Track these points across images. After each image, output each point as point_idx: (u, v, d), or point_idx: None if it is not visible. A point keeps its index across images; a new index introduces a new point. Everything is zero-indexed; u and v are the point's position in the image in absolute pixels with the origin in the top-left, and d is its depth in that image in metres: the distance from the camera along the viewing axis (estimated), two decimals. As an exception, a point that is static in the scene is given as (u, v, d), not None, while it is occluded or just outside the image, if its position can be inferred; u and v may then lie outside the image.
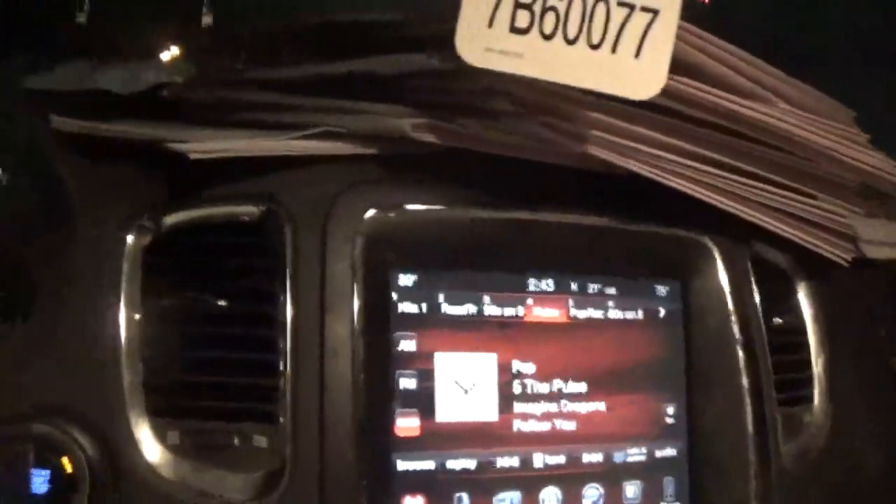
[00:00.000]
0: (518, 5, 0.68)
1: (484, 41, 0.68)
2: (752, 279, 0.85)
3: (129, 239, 0.72)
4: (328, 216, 0.72)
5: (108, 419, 0.69)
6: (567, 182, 0.79)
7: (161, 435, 0.70)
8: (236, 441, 0.70)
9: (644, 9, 0.69)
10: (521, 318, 0.77)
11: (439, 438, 0.74)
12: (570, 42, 0.69)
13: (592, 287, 0.80)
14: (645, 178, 0.78)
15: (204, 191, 0.74)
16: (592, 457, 0.78)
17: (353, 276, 0.71)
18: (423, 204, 0.75)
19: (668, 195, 0.79)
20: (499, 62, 0.68)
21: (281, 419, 0.69)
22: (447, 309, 0.75)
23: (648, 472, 0.81)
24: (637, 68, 0.69)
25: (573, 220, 0.79)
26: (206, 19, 1.16)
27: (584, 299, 0.80)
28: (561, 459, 0.77)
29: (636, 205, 0.80)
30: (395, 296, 0.73)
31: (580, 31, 0.69)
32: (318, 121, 0.76)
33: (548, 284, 0.78)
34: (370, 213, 0.73)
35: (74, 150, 0.75)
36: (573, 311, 0.79)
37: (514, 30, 0.68)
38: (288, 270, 0.71)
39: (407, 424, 0.73)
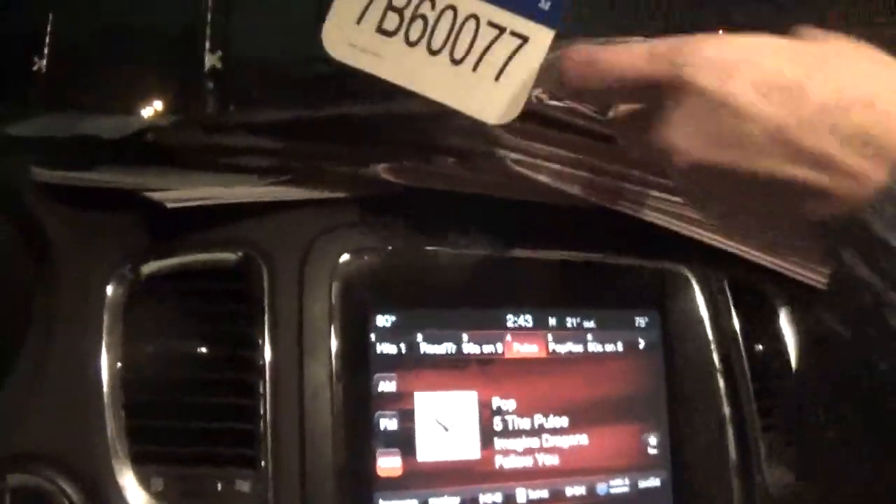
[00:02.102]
0: (390, 7, 0.67)
1: (349, 37, 0.67)
2: (731, 305, 0.86)
3: (110, 289, 0.73)
4: (304, 261, 0.73)
5: (93, 467, 0.70)
6: (542, 218, 0.79)
7: (145, 482, 0.70)
8: (219, 486, 0.71)
9: (514, 34, 0.67)
10: (501, 354, 0.78)
11: (421, 477, 0.74)
12: (433, 53, 0.67)
13: (571, 321, 0.81)
14: (619, 211, 0.78)
15: (183, 237, 0.75)
16: (576, 490, 0.79)
17: (331, 319, 0.72)
18: (399, 245, 0.76)
19: (642, 227, 0.80)
20: (360, 60, 0.67)
21: (262, 463, 0.70)
22: (426, 348, 0.76)
23: (633, 502, 0.81)
24: (494, 91, 0.67)
25: (550, 256, 0.80)
26: (211, 60, 1.15)
27: (562, 334, 0.80)
28: (544, 494, 0.78)
29: (612, 238, 0.81)
30: (373, 337, 0.74)
31: (445, 44, 0.67)
32: (295, 164, 0.77)
33: (526, 320, 0.79)
34: (345, 256, 0.73)
35: (55, 199, 0.76)
36: (552, 346, 0.80)
37: (381, 31, 0.67)
38: (266, 315, 0.72)
39: (389, 465, 0.73)
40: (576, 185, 0.76)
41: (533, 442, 0.78)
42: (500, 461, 0.77)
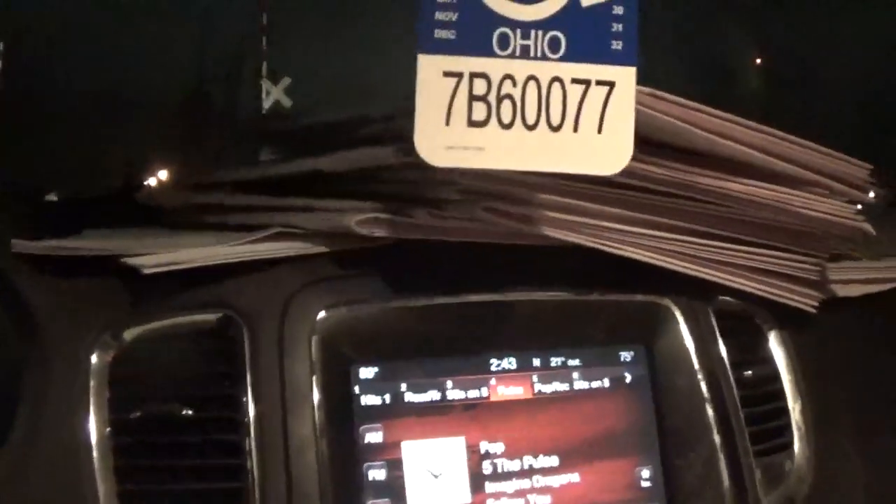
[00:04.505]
0: (473, 98, 0.67)
1: (443, 139, 0.67)
2: (718, 334, 0.86)
3: (94, 357, 0.73)
4: (283, 318, 0.74)
5: None
6: (520, 260, 0.80)
7: (137, 544, 0.71)
8: (210, 546, 0.71)
9: (599, 83, 0.68)
10: (486, 398, 0.78)
11: (413, 526, 0.74)
12: (531, 128, 0.68)
13: (555, 361, 0.81)
14: (598, 248, 0.79)
15: (163, 301, 0.76)
16: (570, 529, 0.79)
17: (312, 373, 0.73)
18: (377, 297, 0.77)
19: (622, 262, 0.80)
20: (461, 159, 0.68)
21: None
22: (411, 397, 0.76)
23: (629, 538, 0.81)
24: (601, 144, 0.69)
25: (530, 297, 0.81)
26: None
27: (547, 374, 0.80)
28: (538, 535, 0.78)
29: (592, 275, 0.82)
30: (357, 389, 0.75)
31: (539, 115, 0.68)
32: (271, 220, 0.78)
33: (510, 363, 0.79)
34: (323, 312, 0.74)
35: (36, 270, 0.77)
36: (538, 387, 0.80)
37: (473, 123, 0.67)
38: (248, 374, 0.73)
39: (379, 515, 0.74)
40: (558, 230, 0.76)
41: (524, 483, 0.78)
42: (491, 505, 0.77)
